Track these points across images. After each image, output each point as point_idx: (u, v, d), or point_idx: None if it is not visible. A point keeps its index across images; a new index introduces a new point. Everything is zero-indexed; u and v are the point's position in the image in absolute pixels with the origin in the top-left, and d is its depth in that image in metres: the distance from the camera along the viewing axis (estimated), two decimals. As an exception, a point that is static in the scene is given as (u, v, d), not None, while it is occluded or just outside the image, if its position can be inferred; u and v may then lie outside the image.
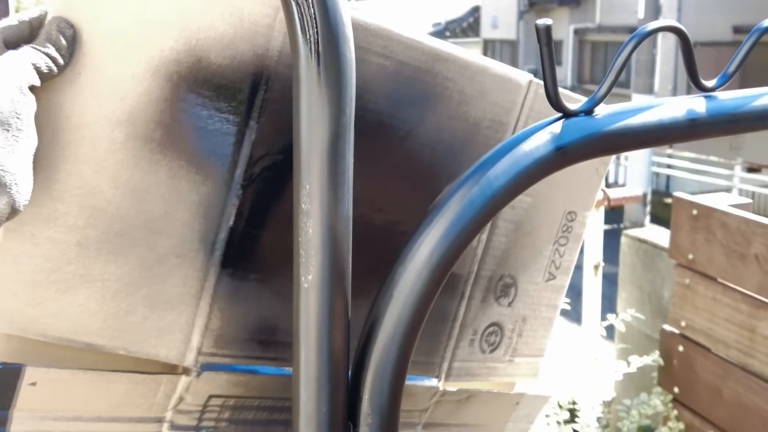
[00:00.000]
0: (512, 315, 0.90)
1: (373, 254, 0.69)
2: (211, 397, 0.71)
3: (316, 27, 0.53)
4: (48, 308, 0.61)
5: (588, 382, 2.40)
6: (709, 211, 2.06)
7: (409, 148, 0.75)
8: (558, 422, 2.24)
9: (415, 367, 0.84)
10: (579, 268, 1.51)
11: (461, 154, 0.78)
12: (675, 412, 2.23)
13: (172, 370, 0.69)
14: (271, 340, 0.72)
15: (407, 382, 0.84)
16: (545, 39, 0.60)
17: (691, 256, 2.12)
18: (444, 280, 0.59)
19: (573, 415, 2.32)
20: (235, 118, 0.65)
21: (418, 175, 0.76)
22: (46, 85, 0.56)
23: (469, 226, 0.59)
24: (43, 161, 0.58)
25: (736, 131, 0.74)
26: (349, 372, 0.60)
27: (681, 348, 2.19)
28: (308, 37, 0.53)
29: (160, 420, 0.69)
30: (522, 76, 0.80)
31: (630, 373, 2.36)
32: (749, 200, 2.30)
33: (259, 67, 0.65)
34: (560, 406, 2.28)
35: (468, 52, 0.76)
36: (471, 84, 0.76)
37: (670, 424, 2.21)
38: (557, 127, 0.63)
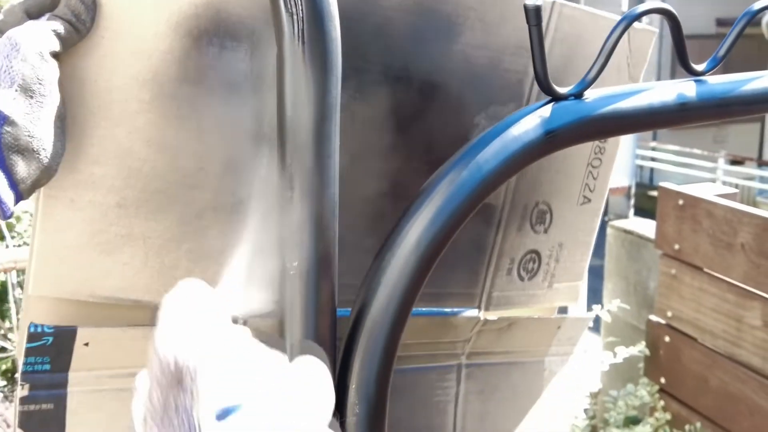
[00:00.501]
0: (549, 241, 0.90)
1: None
2: None
3: (301, 5, 0.52)
4: (94, 270, 0.63)
5: (574, 373, 2.40)
6: (696, 200, 2.05)
7: (436, 81, 0.74)
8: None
9: (456, 299, 0.85)
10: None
11: (488, 83, 0.77)
12: (662, 402, 2.23)
13: None
14: None
15: (449, 316, 0.86)
16: (534, 20, 0.59)
17: (677, 246, 2.12)
18: (433, 265, 0.58)
19: (560, 406, 2.32)
20: (259, 69, 0.64)
21: (449, 106, 0.76)
22: (71, 51, 0.57)
23: (458, 210, 0.58)
24: (75, 126, 0.58)
25: (727, 115, 0.73)
26: (336, 361, 0.59)
27: (667, 338, 2.19)
28: (292, 15, 0.52)
29: None
30: None
31: (616, 363, 2.36)
32: (735, 190, 2.31)
33: None
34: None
35: None
36: (492, 10, 0.75)
37: (657, 414, 2.21)
38: (547, 111, 0.62)
